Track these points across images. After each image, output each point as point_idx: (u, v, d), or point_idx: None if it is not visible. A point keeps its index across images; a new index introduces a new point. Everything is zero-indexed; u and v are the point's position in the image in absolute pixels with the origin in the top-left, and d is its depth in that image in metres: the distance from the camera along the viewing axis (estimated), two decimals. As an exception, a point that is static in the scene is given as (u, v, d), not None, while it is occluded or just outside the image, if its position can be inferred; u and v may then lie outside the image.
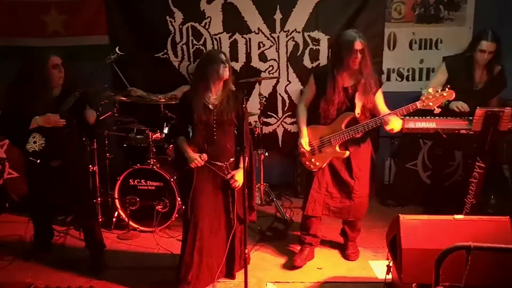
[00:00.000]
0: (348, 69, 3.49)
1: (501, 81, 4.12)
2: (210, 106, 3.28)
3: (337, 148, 3.62)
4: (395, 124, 3.39)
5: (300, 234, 3.97)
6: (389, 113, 3.44)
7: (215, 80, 3.25)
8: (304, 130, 3.70)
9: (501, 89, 4.15)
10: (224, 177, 3.36)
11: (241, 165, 3.26)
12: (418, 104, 3.34)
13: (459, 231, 2.89)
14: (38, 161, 3.54)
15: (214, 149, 3.33)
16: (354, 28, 5.00)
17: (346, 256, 3.97)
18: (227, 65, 3.22)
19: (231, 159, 3.40)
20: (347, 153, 3.61)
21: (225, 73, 3.22)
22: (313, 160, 3.69)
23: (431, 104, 3.31)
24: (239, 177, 3.30)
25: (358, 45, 3.40)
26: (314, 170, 3.70)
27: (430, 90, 3.33)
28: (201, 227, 3.31)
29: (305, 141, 3.67)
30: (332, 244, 4.23)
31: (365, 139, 3.69)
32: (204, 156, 3.27)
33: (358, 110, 3.52)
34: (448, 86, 3.34)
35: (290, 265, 3.80)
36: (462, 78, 4.08)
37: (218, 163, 3.35)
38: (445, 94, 3.31)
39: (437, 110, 3.34)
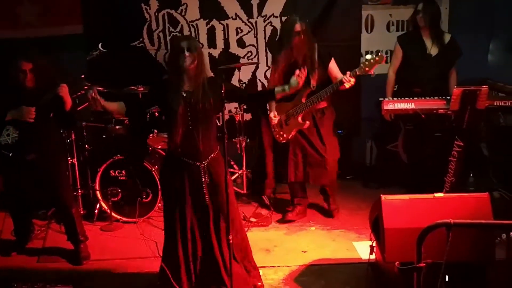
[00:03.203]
0: (295, 49, 3.95)
1: (455, 49, 4.32)
2: (183, 93, 2.97)
3: (299, 119, 4.09)
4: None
5: (290, 197, 4.47)
6: (338, 80, 3.89)
7: (181, 69, 2.93)
8: (274, 106, 4.19)
9: (456, 57, 4.34)
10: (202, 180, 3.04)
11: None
12: (358, 71, 3.79)
13: (440, 209, 2.92)
14: (10, 154, 3.48)
15: (188, 145, 3.00)
16: (331, 12, 5.05)
17: (329, 213, 4.46)
18: (189, 52, 2.88)
19: (212, 155, 3.08)
20: (307, 123, 4.10)
21: (185, 62, 2.89)
22: (281, 132, 4.20)
23: (367, 69, 3.75)
24: None
25: (297, 27, 3.90)
26: (282, 142, 4.22)
27: (368, 56, 3.76)
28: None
29: (273, 114, 4.17)
30: (316, 227, 4.26)
31: (329, 108, 4.20)
32: None
33: (313, 83, 3.98)
34: (380, 51, 3.86)
35: (283, 220, 4.35)
36: (416, 48, 4.33)
37: (196, 163, 3.03)
38: (377, 58, 3.72)
39: (373, 74, 3.82)
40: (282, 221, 4.36)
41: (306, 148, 4.20)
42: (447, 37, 4.31)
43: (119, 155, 4.38)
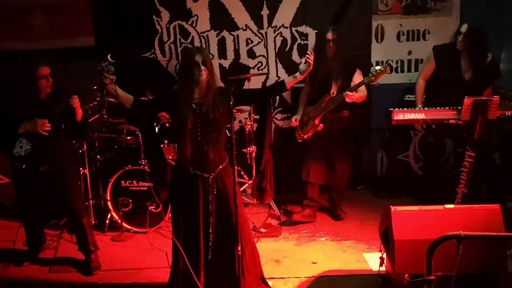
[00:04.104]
0: (326, 57, 4.23)
1: (493, 71, 4.17)
2: (193, 105, 2.98)
3: (316, 122, 4.36)
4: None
5: (302, 198, 4.62)
6: (346, 91, 4.13)
7: (194, 82, 2.95)
8: (302, 109, 4.57)
9: (493, 80, 4.17)
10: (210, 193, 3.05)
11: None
12: (365, 80, 4.03)
13: (450, 220, 2.89)
14: (24, 166, 3.52)
15: (198, 157, 3.00)
16: (342, 22, 5.06)
17: (336, 217, 4.64)
18: (204, 66, 2.90)
19: (221, 166, 3.08)
20: (321, 125, 4.36)
21: (201, 77, 2.91)
22: (300, 132, 4.50)
23: (373, 78, 3.96)
24: None
25: (329, 36, 4.20)
26: (299, 141, 4.51)
27: (377, 67, 3.99)
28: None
29: (295, 118, 4.54)
30: (326, 238, 4.24)
31: (349, 118, 4.44)
32: None
33: (333, 90, 4.26)
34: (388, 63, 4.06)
35: (289, 221, 4.54)
36: (449, 67, 4.17)
37: (205, 175, 3.04)
38: (382, 69, 3.92)
39: (377, 84, 4.08)
40: (289, 222, 4.54)
41: (320, 151, 4.44)
42: (488, 58, 4.09)
43: (130, 166, 4.41)
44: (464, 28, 4.04)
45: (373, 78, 3.95)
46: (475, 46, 4.02)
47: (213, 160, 3.02)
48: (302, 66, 3.17)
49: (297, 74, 3.15)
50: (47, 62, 3.55)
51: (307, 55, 3.19)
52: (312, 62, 3.17)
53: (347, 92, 4.09)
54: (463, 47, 4.06)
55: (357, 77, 4.31)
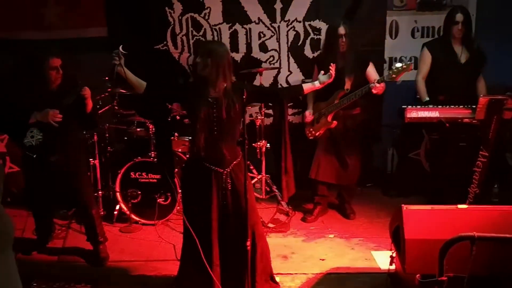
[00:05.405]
0: (338, 52, 4.13)
1: (482, 56, 4.28)
2: (209, 99, 2.96)
3: (329, 119, 4.26)
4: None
5: (312, 195, 4.60)
6: (367, 85, 4.00)
7: (200, 75, 2.94)
8: (312, 105, 4.46)
9: (483, 65, 4.29)
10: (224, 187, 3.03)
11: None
12: (385, 77, 3.92)
13: (463, 220, 2.85)
14: (35, 156, 3.52)
15: (213, 152, 2.98)
16: (356, 17, 5.01)
17: (346, 216, 4.57)
18: (201, 58, 2.89)
19: (235, 161, 3.05)
20: (335, 123, 4.26)
21: (197, 68, 2.91)
22: (311, 129, 4.42)
23: (394, 76, 3.83)
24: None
25: (341, 30, 4.10)
26: (310, 138, 4.44)
27: (398, 64, 3.83)
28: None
29: (308, 112, 4.44)
30: (335, 235, 4.22)
31: (361, 115, 4.39)
32: None
33: (347, 86, 4.15)
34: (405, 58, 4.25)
35: (304, 219, 4.51)
36: (446, 55, 4.26)
37: (220, 170, 3.01)
38: (405, 66, 3.79)
39: (398, 81, 4.01)
40: (303, 219, 4.53)
41: (331, 149, 4.37)
42: (475, 44, 4.24)
43: (140, 157, 4.40)
44: (460, 17, 4.14)
45: (394, 76, 3.84)
46: (470, 31, 4.26)
47: (229, 156, 3.00)
48: (322, 77, 3.27)
49: (317, 82, 3.27)
50: (58, 53, 3.54)
51: (330, 67, 3.28)
52: (333, 75, 3.26)
53: (376, 84, 3.93)
54: (461, 34, 4.18)
55: (371, 70, 4.26)
